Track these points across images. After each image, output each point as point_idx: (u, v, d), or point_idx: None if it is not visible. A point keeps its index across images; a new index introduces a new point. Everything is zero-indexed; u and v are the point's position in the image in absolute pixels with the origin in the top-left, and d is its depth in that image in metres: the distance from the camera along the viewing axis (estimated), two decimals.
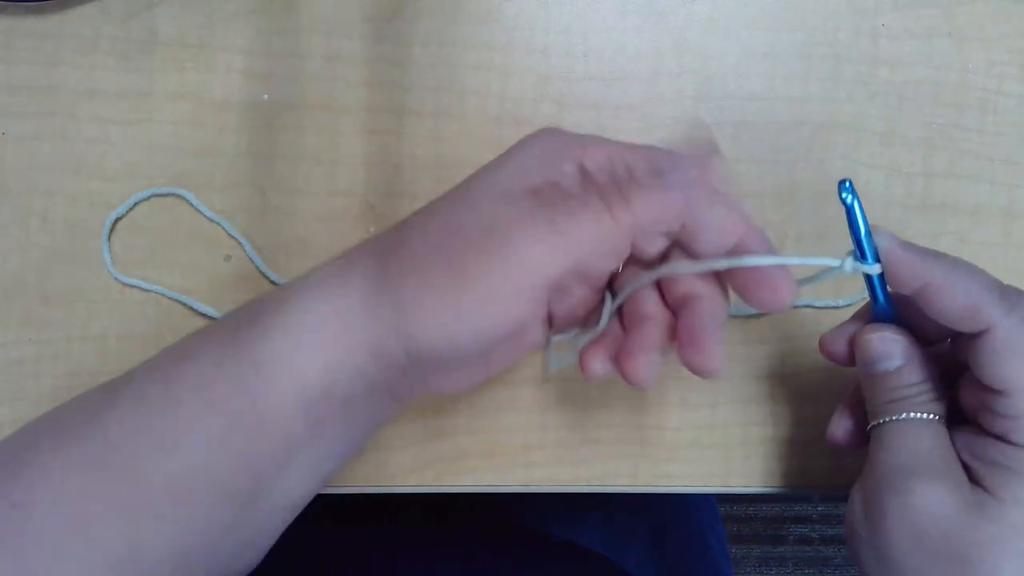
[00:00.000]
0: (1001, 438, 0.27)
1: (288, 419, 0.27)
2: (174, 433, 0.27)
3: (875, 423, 0.30)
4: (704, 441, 0.37)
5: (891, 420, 0.29)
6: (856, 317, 0.32)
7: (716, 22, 0.36)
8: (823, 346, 0.32)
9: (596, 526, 0.55)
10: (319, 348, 0.27)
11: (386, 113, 0.36)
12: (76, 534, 0.26)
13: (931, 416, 0.29)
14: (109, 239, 0.36)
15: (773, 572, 1.19)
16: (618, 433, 0.37)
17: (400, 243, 0.27)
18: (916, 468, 0.28)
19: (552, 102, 0.36)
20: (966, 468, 0.28)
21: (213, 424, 0.27)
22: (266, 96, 0.36)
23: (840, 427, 0.32)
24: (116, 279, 0.36)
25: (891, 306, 0.30)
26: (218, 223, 0.36)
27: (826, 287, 0.37)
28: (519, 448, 0.37)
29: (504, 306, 0.26)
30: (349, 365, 0.27)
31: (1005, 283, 0.28)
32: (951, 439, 0.29)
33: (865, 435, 0.31)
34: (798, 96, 0.37)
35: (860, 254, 0.29)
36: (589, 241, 0.26)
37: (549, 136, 0.29)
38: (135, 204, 0.36)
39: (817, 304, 0.37)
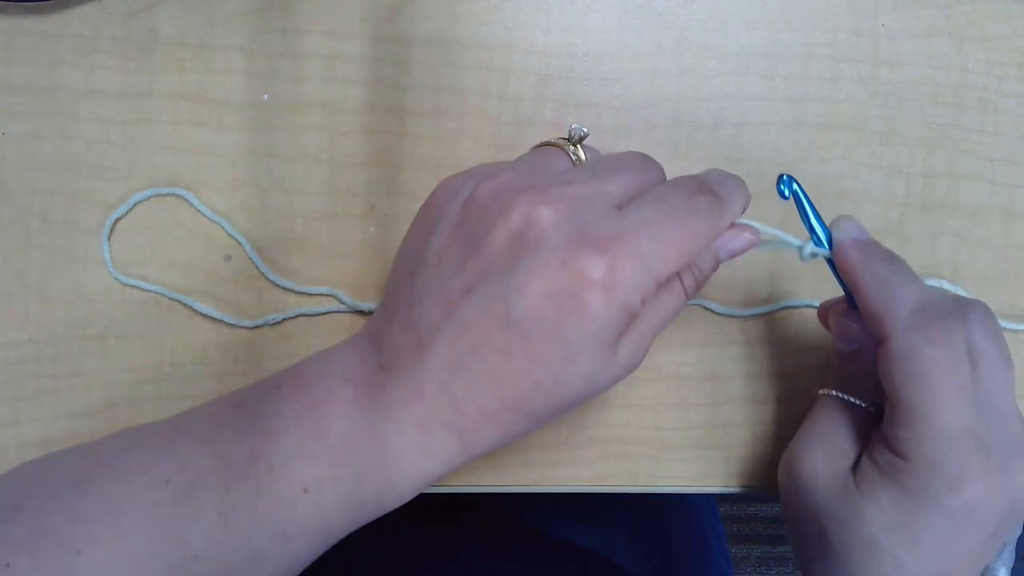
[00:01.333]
0: (885, 440, 0.29)
1: (300, 544, 0.28)
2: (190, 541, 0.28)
3: (820, 391, 0.33)
4: (704, 441, 0.37)
5: (828, 393, 0.32)
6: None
7: (716, 22, 0.36)
8: (819, 312, 0.35)
9: (596, 526, 0.55)
10: (353, 490, 0.27)
11: (386, 113, 0.36)
12: None
13: (859, 403, 0.31)
14: (109, 239, 0.36)
15: (773, 572, 1.19)
16: (618, 433, 0.37)
17: (459, 367, 0.26)
18: (816, 438, 0.31)
19: (552, 102, 0.36)
20: (859, 458, 0.30)
21: (229, 542, 0.27)
22: (266, 96, 0.36)
23: (831, 316, 0.35)
24: (116, 279, 0.36)
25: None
26: (218, 223, 0.36)
27: (826, 287, 0.37)
28: (519, 448, 0.37)
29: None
30: (390, 493, 0.28)
31: (939, 305, 0.28)
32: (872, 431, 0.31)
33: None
34: (798, 96, 0.37)
35: (815, 240, 0.31)
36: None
37: (614, 304, 0.27)
38: (135, 204, 0.36)
39: (817, 304, 0.37)
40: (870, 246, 0.30)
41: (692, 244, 0.26)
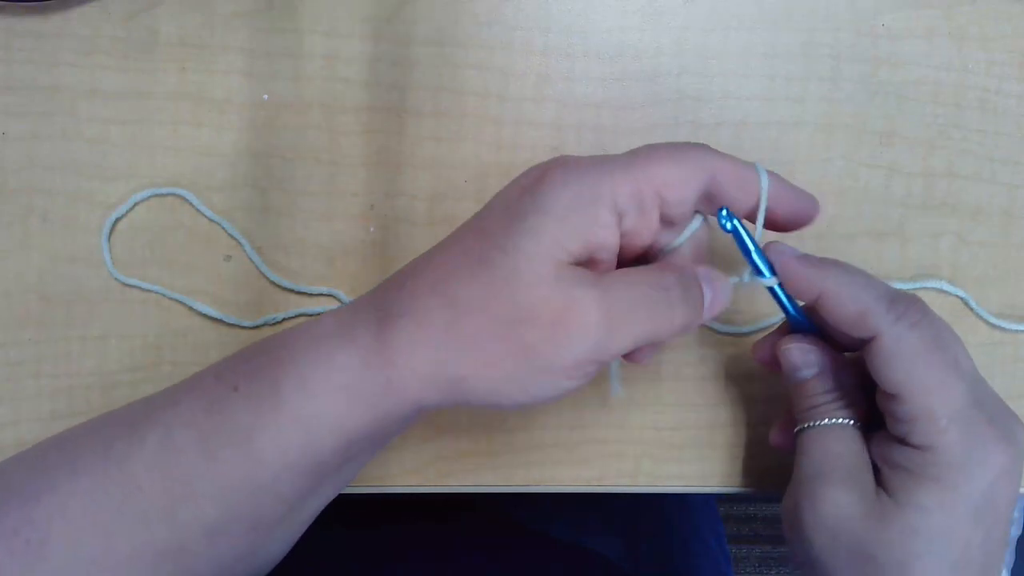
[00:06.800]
0: (902, 441, 0.28)
1: (291, 483, 0.28)
2: (188, 487, 0.27)
3: (797, 429, 0.32)
4: (704, 441, 0.37)
5: (809, 426, 0.31)
6: (783, 327, 0.33)
7: (716, 22, 0.36)
8: (753, 353, 0.33)
9: (596, 526, 0.55)
10: (339, 414, 0.27)
11: (386, 113, 0.36)
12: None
13: (845, 422, 0.30)
14: (109, 239, 0.36)
15: (773, 572, 1.19)
16: (618, 433, 0.37)
17: (452, 322, 0.27)
18: (826, 473, 0.30)
19: (552, 102, 0.36)
20: (877, 471, 0.29)
21: (213, 486, 0.27)
22: (266, 96, 0.36)
23: (778, 432, 0.34)
24: (116, 279, 0.36)
25: (803, 316, 0.31)
26: (218, 223, 0.36)
27: None
28: (519, 448, 0.37)
29: (570, 381, 0.27)
30: (381, 416, 0.27)
31: (899, 292, 0.29)
32: (870, 443, 0.30)
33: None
34: (798, 96, 0.37)
35: (755, 271, 0.30)
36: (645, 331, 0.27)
37: (572, 179, 0.27)
38: (135, 204, 0.36)
39: None
40: (812, 258, 0.30)
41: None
